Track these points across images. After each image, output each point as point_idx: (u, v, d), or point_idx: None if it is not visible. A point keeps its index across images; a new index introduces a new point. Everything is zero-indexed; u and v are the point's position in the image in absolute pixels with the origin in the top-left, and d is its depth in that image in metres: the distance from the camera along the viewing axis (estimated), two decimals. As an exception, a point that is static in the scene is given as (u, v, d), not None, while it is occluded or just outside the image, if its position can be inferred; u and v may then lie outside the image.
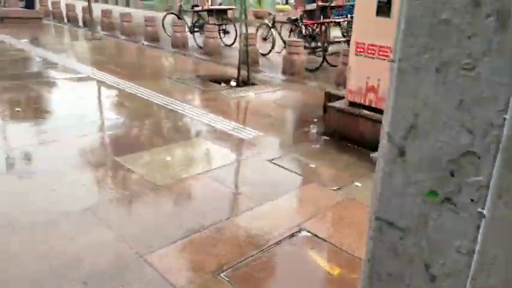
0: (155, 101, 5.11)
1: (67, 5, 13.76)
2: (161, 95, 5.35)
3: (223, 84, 6.36)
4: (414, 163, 0.77)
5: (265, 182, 3.18)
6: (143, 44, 10.01)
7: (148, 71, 7.29)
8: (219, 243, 2.37)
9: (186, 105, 5.01)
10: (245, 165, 3.53)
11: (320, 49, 7.48)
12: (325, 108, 4.60)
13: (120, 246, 2.27)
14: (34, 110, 4.63)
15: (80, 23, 12.89)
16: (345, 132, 4.08)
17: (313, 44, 7.58)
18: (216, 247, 2.32)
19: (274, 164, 3.52)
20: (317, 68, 7.35)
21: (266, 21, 9.30)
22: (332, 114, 4.24)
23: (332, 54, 7.34)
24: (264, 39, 9.01)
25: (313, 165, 3.57)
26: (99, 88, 5.88)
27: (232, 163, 3.53)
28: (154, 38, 10.27)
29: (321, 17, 7.72)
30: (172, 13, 11.29)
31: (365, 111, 3.85)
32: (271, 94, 5.90)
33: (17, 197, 2.73)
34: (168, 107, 4.92)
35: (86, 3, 11.36)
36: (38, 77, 6.21)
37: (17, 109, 4.53)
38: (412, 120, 0.76)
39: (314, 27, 7.64)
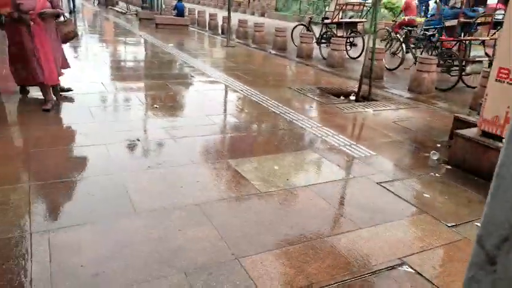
0: (273, 109, 5.30)
1: (210, 14, 15.22)
2: (280, 104, 5.53)
3: (342, 98, 6.26)
4: (505, 279, 0.63)
5: (371, 206, 3.03)
6: (270, 52, 10.47)
7: (271, 78, 7.59)
8: (312, 260, 2.34)
9: (302, 116, 5.08)
10: (352, 185, 3.41)
11: (456, 68, 6.81)
12: (452, 134, 4.17)
13: (220, 245, 2.42)
14: (169, 107, 5.23)
15: (219, 31, 14.10)
16: (473, 164, 3.64)
17: (448, 62, 6.93)
18: (309, 264, 2.31)
19: (384, 187, 3.33)
20: (450, 88, 6.71)
21: (397, 35, 8.85)
22: (459, 142, 3.83)
23: (469, 74, 6.61)
24: (393, 53, 8.58)
25: (428, 195, 3.27)
26: (225, 92, 6.35)
27: (339, 180, 3.45)
28: (281, 47, 10.67)
29: (462, 34, 7.02)
30: (302, 24, 11.55)
31: (500, 144, 3.37)
32: (392, 112, 5.58)
33: (141, 183, 3.13)
34: (285, 116, 5.06)
35: (226, 13, 12.39)
36: (176, 78, 7.01)
37: (155, 106, 5.18)
38: (507, 232, 0.62)
39: (452, 44, 7.00)
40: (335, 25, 9.74)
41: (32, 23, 4.35)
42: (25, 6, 4.29)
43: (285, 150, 4.02)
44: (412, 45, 8.28)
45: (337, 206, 3.05)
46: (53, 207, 2.74)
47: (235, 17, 14.27)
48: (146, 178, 3.21)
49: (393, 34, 9.42)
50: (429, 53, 7.43)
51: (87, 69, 7.10)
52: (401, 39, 8.30)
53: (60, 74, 4.94)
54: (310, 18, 11.22)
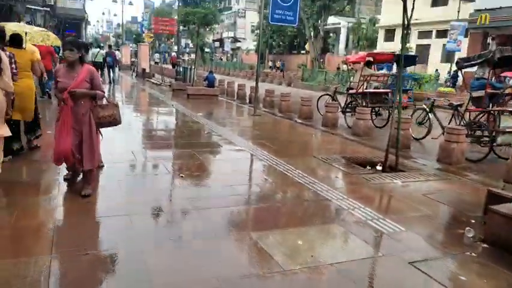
0: (298, 180, 5.27)
1: (239, 85, 15.96)
2: (305, 174, 5.50)
3: (368, 168, 6.18)
4: None
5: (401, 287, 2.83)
6: (296, 121, 10.68)
7: (297, 147, 7.65)
8: None
9: (327, 187, 5.01)
10: (381, 264, 3.23)
11: (486, 139, 6.67)
12: (486, 209, 3.97)
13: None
14: (195, 177, 5.31)
15: (247, 100, 14.65)
16: (511, 242, 3.40)
17: (478, 133, 6.82)
18: None
19: (416, 268, 3.13)
20: (481, 159, 6.52)
21: (423, 105, 8.90)
22: (494, 218, 3.62)
23: (501, 145, 6.45)
24: (420, 123, 8.57)
25: (464, 278, 3.04)
26: (251, 161, 6.42)
27: (366, 258, 3.28)
28: (307, 116, 10.88)
29: (490, 105, 6.99)
30: (328, 94, 11.87)
31: (540, 223, 3.16)
32: (421, 184, 5.42)
33: (161, 256, 3.08)
34: (309, 186, 5.00)
35: (254, 83, 12.96)
36: (204, 147, 7.19)
37: (181, 175, 5.26)
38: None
39: (480, 115, 6.94)
40: (360, 95, 9.94)
41: (63, 103, 4.10)
42: (61, 84, 4.09)
43: (309, 224, 3.91)
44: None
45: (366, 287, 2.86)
46: (72, 282, 2.71)
47: (263, 87, 14.87)
48: (167, 251, 3.17)
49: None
50: (457, 123, 7.37)
51: (119, 139, 7.42)
52: (427, 109, 8.33)
53: (71, 161, 4.21)
54: (336, 89, 11.53)
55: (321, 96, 11.92)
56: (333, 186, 5.11)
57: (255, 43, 48.06)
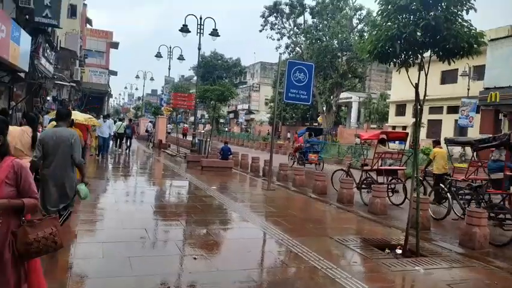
0: (314, 263, 5.06)
1: (253, 158, 16.14)
2: (320, 257, 5.29)
3: (387, 251, 5.93)
4: None
5: None
6: (310, 196, 10.56)
7: (312, 226, 7.46)
8: None
9: (345, 273, 4.77)
10: None
11: (509, 222, 6.43)
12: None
13: None
14: (207, 258, 5.15)
15: (261, 173, 14.69)
16: None
17: (500, 216, 6.60)
18: None
19: None
20: (506, 244, 6.22)
21: (441, 184, 8.77)
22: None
23: (525, 228, 6.19)
24: (438, 202, 8.38)
25: None
26: (265, 241, 6.25)
27: None
28: (321, 191, 10.77)
29: (510, 187, 6.85)
30: (342, 169, 11.86)
31: None
32: (444, 272, 5.14)
33: None
34: (326, 271, 4.78)
35: (268, 155, 13.09)
36: (217, 224, 7.08)
37: (194, 257, 5.11)
38: None
39: (501, 197, 6.78)
40: (375, 172, 9.90)
41: None
42: None
43: (328, 318, 3.67)
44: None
45: None
46: None
47: (276, 159, 14.96)
48: None
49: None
50: (478, 205, 7.18)
51: (131, 212, 7.40)
52: (446, 189, 8.19)
53: None
54: (350, 164, 11.55)
55: (335, 172, 11.91)
56: (351, 272, 4.87)
57: (269, 115, 49.61)
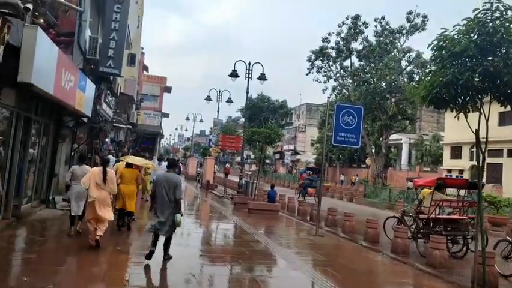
0: (370, 323, 4.72)
1: (299, 201, 15.88)
2: (377, 316, 4.94)
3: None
4: None
5: None
6: (362, 244, 10.07)
7: (365, 279, 7.04)
8: None
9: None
10: None
11: None
12: None
13: None
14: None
15: (308, 217, 14.34)
16: None
17: None
18: None
19: None
20: None
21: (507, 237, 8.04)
22: None
23: None
24: (506, 257, 7.65)
25: None
26: (315, 294, 5.98)
27: None
28: (373, 240, 10.24)
29: None
30: (395, 217, 11.30)
31: None
32: None
33: None
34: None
35: (316, 199, 12.85)
36: (265, 272, 6.89)
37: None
38: None
39: None
40: (432, 221, 9.30)
41: None
42: None
43: None
44: None
45: None
46: None
47: (324, 202, 14.59)
48: None
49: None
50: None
51: (180, 257, 7.42)
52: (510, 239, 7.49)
53: None
54: (404, 212, 10.98)
55: (387, 218, 11.35)
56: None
57: (315, 156, 49.15)
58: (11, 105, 8.16)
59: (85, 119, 13.12)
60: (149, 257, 6.35)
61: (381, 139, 33.29)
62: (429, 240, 8.44)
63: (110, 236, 8.00)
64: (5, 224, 8.04)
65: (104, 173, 7.28)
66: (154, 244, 6.46)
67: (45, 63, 7.53)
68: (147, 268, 6.27)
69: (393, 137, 38.20)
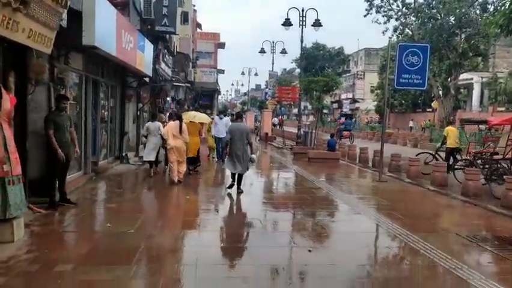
0: (441, 263, 4.65)
1: (361, 148, 15.55)
2: (448, 256, 4.83)
3: (530, 251, 5.17)
4: None
5: None
6: (428, 188, 9.76)
7: (433, 221, 6.88)
8: None
9: (479, 275, 4.28)
10: None
11: None
12: None
13: None
14: (323, 252, 5.12)
15: (370, 164, 14.07)
16: None
17: None
18: None
19: None
20: None
21: None
22: None
23: None
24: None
25: None
26: (381, 236, 5.98)
27: None
28: (441, 183, 9.86)
29: None
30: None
31: None
32: None
33: None
34: (456, 272, 4.36)
35: (376, 145, 12.51)
36: (329, 217, 7.00)
37: (309, 249, 5.10)
38: None
39: None
40: (509, 161, 8.69)
41: None
42: None
43: (461, 322, 3.34)
44: None
45: None
46: None
47: (386, 148, 14.16)
48: None
49: None
50: None
51: (245, 203, 7.75)
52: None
53: None
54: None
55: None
56: (486, 274, 4.35)
57: (375, 103, 47.16)
58: (79, 69, 8.68)
59: (147, 79, 13.65)
60: (230, 187, 8.44)
61: (449, 79, 30.91)
62: (504, 181, 7.93)
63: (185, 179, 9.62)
64: (86, 179, 8.88)
65: (180, 125, 9.27)
66: (234, 179, 8.41)
67: (105, 26, 7.81)
68: (216, 212, 6.65)
69: (462, 77, 35.25)
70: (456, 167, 10.71)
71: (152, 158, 10.14)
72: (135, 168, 11.45)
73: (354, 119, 40.12)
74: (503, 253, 5.05)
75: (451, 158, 11.47)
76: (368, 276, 4.29)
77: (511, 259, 4.83)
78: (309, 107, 60.34)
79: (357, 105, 58.70)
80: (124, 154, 12.14)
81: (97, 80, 9.96)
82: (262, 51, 28.24)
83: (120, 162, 11.79)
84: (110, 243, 5.05)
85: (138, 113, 14.12)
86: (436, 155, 11.90)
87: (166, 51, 17.09)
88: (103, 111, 11.05)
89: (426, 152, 12.68)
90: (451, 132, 11.87)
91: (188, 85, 28.36)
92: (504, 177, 8.14)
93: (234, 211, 7.42)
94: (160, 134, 9.86)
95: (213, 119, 14.42)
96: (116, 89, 11.95)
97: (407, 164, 11.68)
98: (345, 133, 24.79)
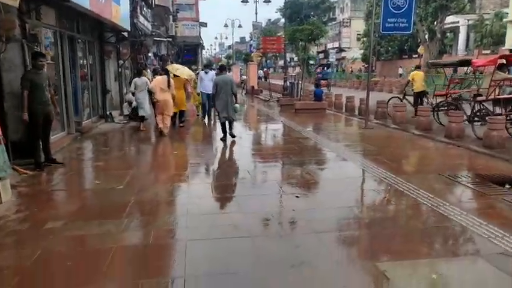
0: (423, 201, 4.82)
1: (347, 97, 15.54)
2: (430, 195, 5.01)
3: (507, 187, 5.38)
4: None
5: None
6: (413, 133, 9.91)
7: (417, 163, 7.07)
8: None
9: (459, 210, 4.47)
10: None
11: None
12: None
13: None
14: (309, 198, 5.25)
15: (356, 112, 14.14)
16: None
17: None
18: None
19: None
20: None
21: None
22: None
23: None
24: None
25: None
26: (367, 180, 6.12)
27: None
28: (425, 128, 10.01)
29: None
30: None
31: None
32: None
33: (287, 286, 3.06)
34: (438, 209, 4.53)
35: (362, 94, 12.53)
36: (316, 164, 7.10)
37: (297, 195, 5.21)
38: None
39: None
40: (491, 102, 8.80)
41: None
42: None
43: (443, 254, 3.51)
44: None
45: None
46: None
47: (372, 96, 14.17)
48: (292, 280, 3.13)
49: None
50: None
51: (234, 156, 7.79)
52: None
53: None
54: (460, 96, 10.43)
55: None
56: (467, 209, 4.54)
57: (361, 51, 46.56)
58: (53, 25, 8.27)
59: (126, 34, 13.12)
60: (223, 139, 8.99)
61: (435, 23, 30.44)
62: (487, 122, 8.09)
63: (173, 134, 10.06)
64: (71, 139, 8.76)
65: (168, 80, 9.70)
66: (224, 130, 9.02)
67: (76, -24, 7.35)
68: (205, 164, 6.69)
69: (449, 20, 34.70)
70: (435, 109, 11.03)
71: (149, 112, 10.68)
72: (120, 127, 11.32)
73: (330, 69, 40.70)
74: (484, 189, 5.24)
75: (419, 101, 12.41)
76: (354, 218, 4.43)
77: (490, 195, 5.03)
78: (295, 58, 59.39)
79: (343, 54, 57.94)
80: (108, 113, 11.94)
81: (72, 36, 9.54)
82: (245, 0, 27.22)
83: (105, 121, 11.63)
84: (100, 200, 5.08)
85: (119, 70, 13.72)
86: (404, 99, 12.62)
87: (143, 3, 16.32)
88: (83, 69, 10.70)
89: (395, 97, 13.27)
90: (417, 77, 12.56)
91: (170, 40, 27.46)
92: (486, 118, 8.28)
93: (223, 163, 7.47)
94: (148, 89, 10.12)
95: (197, 74, 14.05)
96: (94, 45, 11.50)
97: (392, 111, 11.78)
98: (323, 82, 25.33)
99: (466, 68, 11.69)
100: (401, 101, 12.57)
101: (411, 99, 12.96)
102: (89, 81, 11.09)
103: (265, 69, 39.80)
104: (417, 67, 14.03)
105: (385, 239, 3.89)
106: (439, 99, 11.37)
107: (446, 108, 10.65)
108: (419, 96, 12.63)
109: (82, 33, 10.29)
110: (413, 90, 12.85)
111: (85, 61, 10.90)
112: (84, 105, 10.56)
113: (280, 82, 24.33)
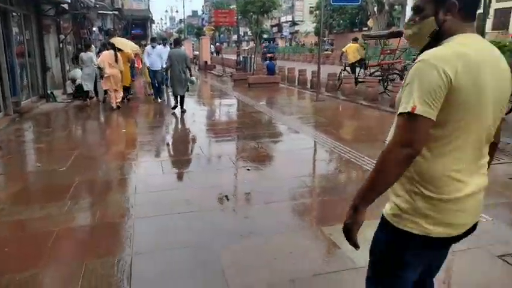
0: (368, 168, 5.04)
1: (299, 70, 15.68)
2: (373, 161, 5.23)
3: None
4: None
5: (490, 285, 2.58)
6: (361, 104, 10.25)
7: (364, 133, 7.33)
8: None
9: (400, 175, 4.72)
10: (464, 258, 2.97)
11: None
12: None
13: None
14: (260, 169, 5.31)
15: (308, 85, 14.35)
16: None
17: None
18: None
19: (507, 262, 2.84)
20: None
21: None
22: None
23: None
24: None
25: None
26: (317, 150, 6.28)
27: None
28: (373, 98, 10.38)
29: None
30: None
31: None
32: (507, 167, 4.91)
33: (234, 255, 3.11)
34: (380, 175, 4.75)
35: (315, 67, 12.69)
36: (267, 137, 7.16)
37: (248, 168, 5.26)
38: None
39: None
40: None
41: None
42: None
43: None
44: None
45: (448, 285, 2.65)
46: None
47: (324, 69, 14.42)
48: (239, 249, 3.18)
49: None
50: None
51: (186, 130, 7.68)
52: None
53: None
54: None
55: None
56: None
57: (314, 24, 46.86)
58: (-22, -4, 7.55)
59: (66, 6, 12.26)
60: (174, 108, 9.52)
61: (383, -5, 31.11)
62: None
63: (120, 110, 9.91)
64: (9, 120, 8.21)
65: (116, 54, 9.81)
66: (176, 102, 9.44)
67: None
68: (155, 142, 6.55)
69: (397, -7, 35.56)
70: (360, 80, 12.12)
71: (91, 88, 10.43)
72: (64, 106, 10.73)
73: (276, 43, 41.45)
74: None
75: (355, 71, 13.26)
76: (303, 187, 4.55)
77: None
78: (249, 32, 58.69)
79: (296, 28, 58.01)
80: (49, 92, 11.25)
81: (5, 8, 8.77)
82: (194, -29, 26.18)
83: (46, 101, 10.96)
84: (42, 182, 4.85)
85: (60, 45, 12.87)
86: (346, 71, 13.65)
87: (84, -27, 15.23)
88: (20, 46, 9.93)
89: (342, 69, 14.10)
90: (349, 49, 13.48)
91: (117, 13, 26.01)
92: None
93: (175, 140, 7.34)
94: (96, 64, 10.08)
95: (145, 46, 13.55)
96: (30, 18, 10.66)
97: (343, 83, 12.07)
98: (269, 55, 25.75)
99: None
100: (341, 72, 13.51)
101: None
102: (26, 58, 10.34)
103: (217, 44, 39.05)
104: (354, 39, 14.49)
105: (332, 206, 4.04)
106: (372, 70, 12.51)
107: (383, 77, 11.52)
108: (353, 67, 13.43)
109: (16, 5, 9.50)
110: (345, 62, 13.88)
111: (21, 37, 10.11)
112: (22, 84, 9.87)
113: (234, 57, 24.03)
